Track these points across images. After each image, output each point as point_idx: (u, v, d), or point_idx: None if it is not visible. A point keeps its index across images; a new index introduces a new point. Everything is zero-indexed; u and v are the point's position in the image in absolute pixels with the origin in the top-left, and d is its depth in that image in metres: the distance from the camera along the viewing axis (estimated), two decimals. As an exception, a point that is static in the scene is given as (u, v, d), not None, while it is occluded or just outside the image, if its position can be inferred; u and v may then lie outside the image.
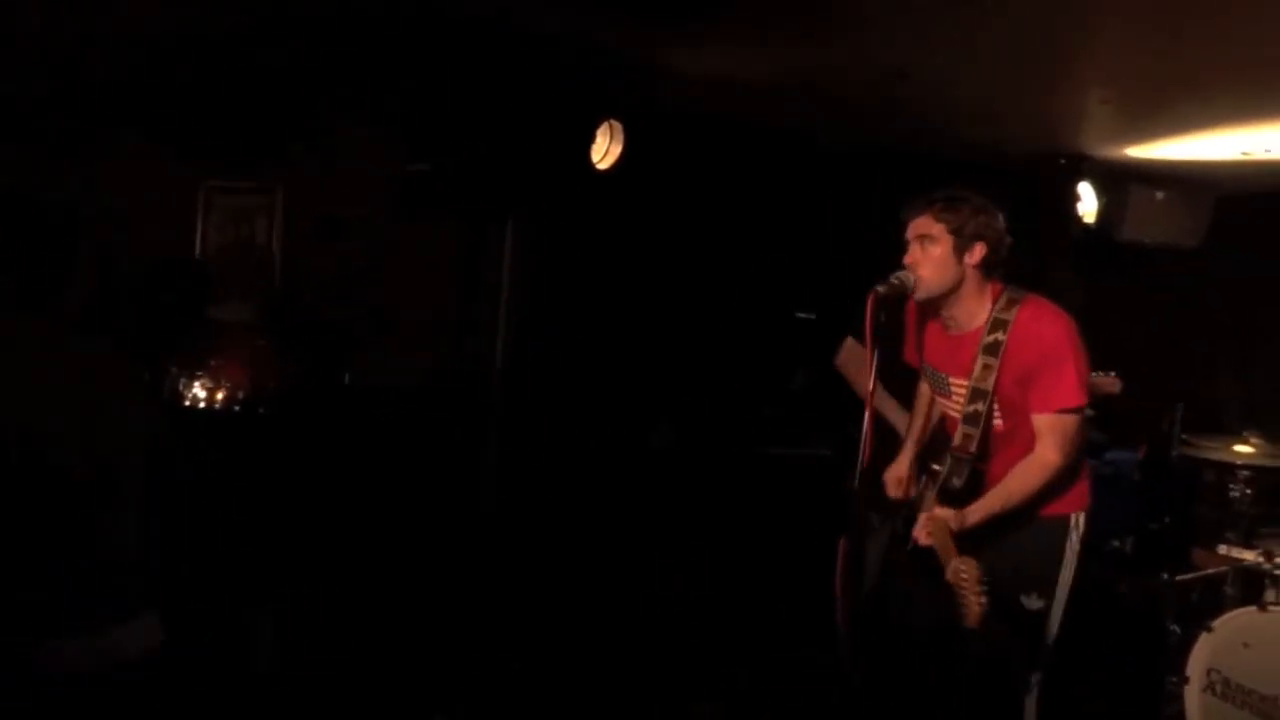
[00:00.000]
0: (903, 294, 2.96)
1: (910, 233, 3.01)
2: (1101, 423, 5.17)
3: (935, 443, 3.23)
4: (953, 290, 3.01)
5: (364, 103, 4.57)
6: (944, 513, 2.83)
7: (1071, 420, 2.96)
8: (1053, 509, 3.06)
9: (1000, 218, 3.01)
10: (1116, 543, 5.38)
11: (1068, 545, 3.10)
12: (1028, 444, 3.00)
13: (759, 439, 5.46)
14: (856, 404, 2.94)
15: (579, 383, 5.04)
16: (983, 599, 2.56)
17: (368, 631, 4.06)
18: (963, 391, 3.04)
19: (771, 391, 5.56)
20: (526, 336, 4.99)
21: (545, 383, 4.99)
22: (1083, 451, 3.11)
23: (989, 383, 2.97)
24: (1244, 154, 5.25)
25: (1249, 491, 4.49)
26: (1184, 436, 4.73)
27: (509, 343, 4.96)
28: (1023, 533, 3.01)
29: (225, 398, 4.18)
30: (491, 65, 4.19)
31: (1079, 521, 3.14)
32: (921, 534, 2.82)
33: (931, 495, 3.04)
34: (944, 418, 3.19)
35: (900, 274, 2.94)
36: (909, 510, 3.13)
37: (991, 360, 2.96)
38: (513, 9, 3.79)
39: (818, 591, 3.05)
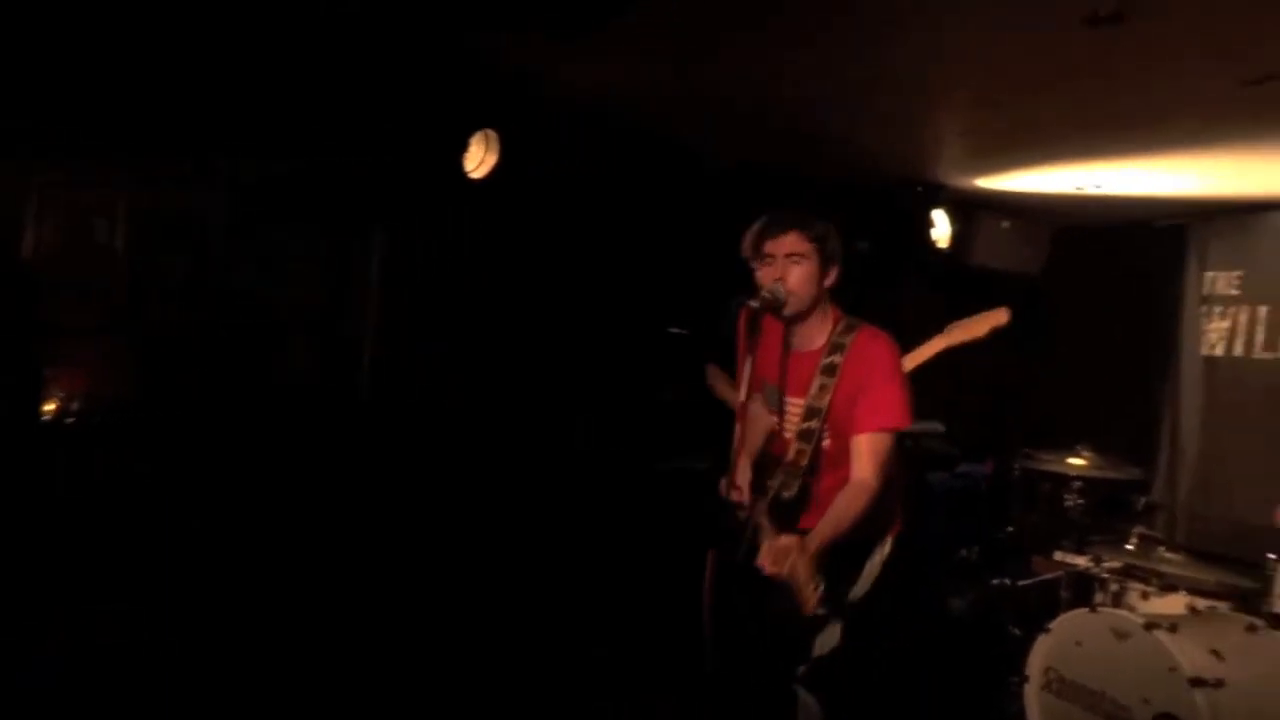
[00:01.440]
0: (775, 308, 2.98)
1: (776, 249, 3.03)
2: (952, 437, 5.58)
3: (764, 459, 3.25)
4: (810, 309, 3.06)
5: (224, 101, 4.27)
6: (788, 540, 2.77)
7: (886, 440, 2.99)
8: (864, 532, 3.09)
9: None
10: (965, 552, 5.48)
11: (867, 565, 3.18)
12: (843, 466, 3.08)
13: (637, 452, 5.49)
14: (727, 417, 3.01)
15: (448, 393, 5.03)
16: (818, 589, 2.61)
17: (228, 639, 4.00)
18: (798, 409, 3.09)
19: (643, 405, 5.60)
20: (395, 345, 4.95)
21: (413, 393, 4.95)
22: (899, 478, 3.14)
23: (824, 401, 3.03)
24: (1078, 189, 5.48)
25: (1081, 501, 4.69)
26: (1025, 450, 4.91)
27: (377, 351, 4.92)
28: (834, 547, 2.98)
29: (56, 408, 4.04)
30: (364, 70, 4.13)
31: (886, 544, 3.22)
32: (767, 563, 2.74)
33: (763, 508, 3.09)
34: (773, 435, 3.21)
35: (771, 288, 2.97)
36: (751, 525, 3.13)
37: (828, 381, 3.01)
38: (388, 15, 3.77)
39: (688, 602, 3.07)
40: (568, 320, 5.44)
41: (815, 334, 3.08)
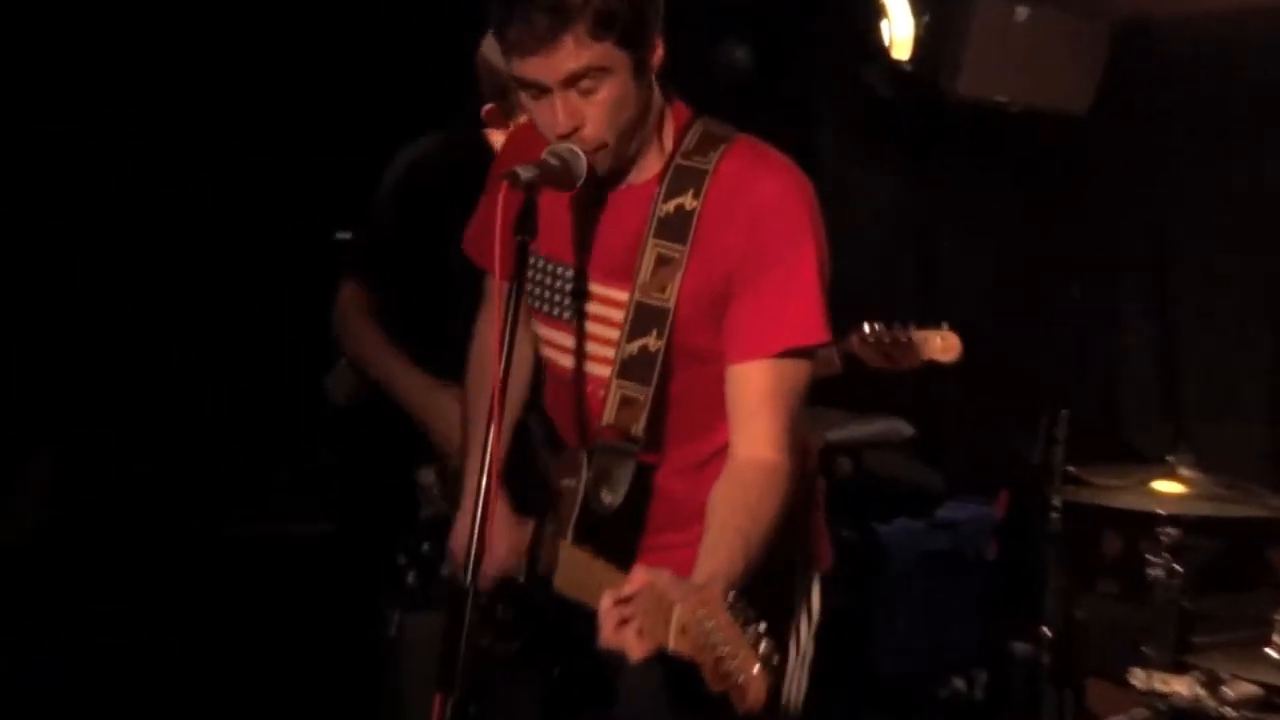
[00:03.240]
0: (568, 181, 2.12)
1: (544, 70, 2.12)
2: (932, 452, 4.54)
3: (541, 434, 2.47)
4: (636, 151, 2.25)
5: None
6: (659, 579, 1.86)
7: (802, 373, 2.24)
8: (770, 564, 2.29)
9: None
10: (960, 682, 4.42)
11: (792, 637, 2.49)
12: (703, 432, 2.29)
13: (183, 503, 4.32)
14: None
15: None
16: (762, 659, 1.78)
17: None
18: (614, 311, 2.28)
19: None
20: None
21: None
22: (810, 453, 2.56)
23: (669, 293, 2.26)
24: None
25: (1178, 568, 3.49)
26: (1070, 469, 3.71)
27: None
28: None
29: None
30: None
31: (811, 590, 2.52)
32: (622, 635, 1.85)
33: (563, 537, 2.26)
34: (560, 377, 2.39)
35: (558, 149, 2.11)
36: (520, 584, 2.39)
37: (674, 247, 2.25)
38: None
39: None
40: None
41: (639, 161, 2.27)
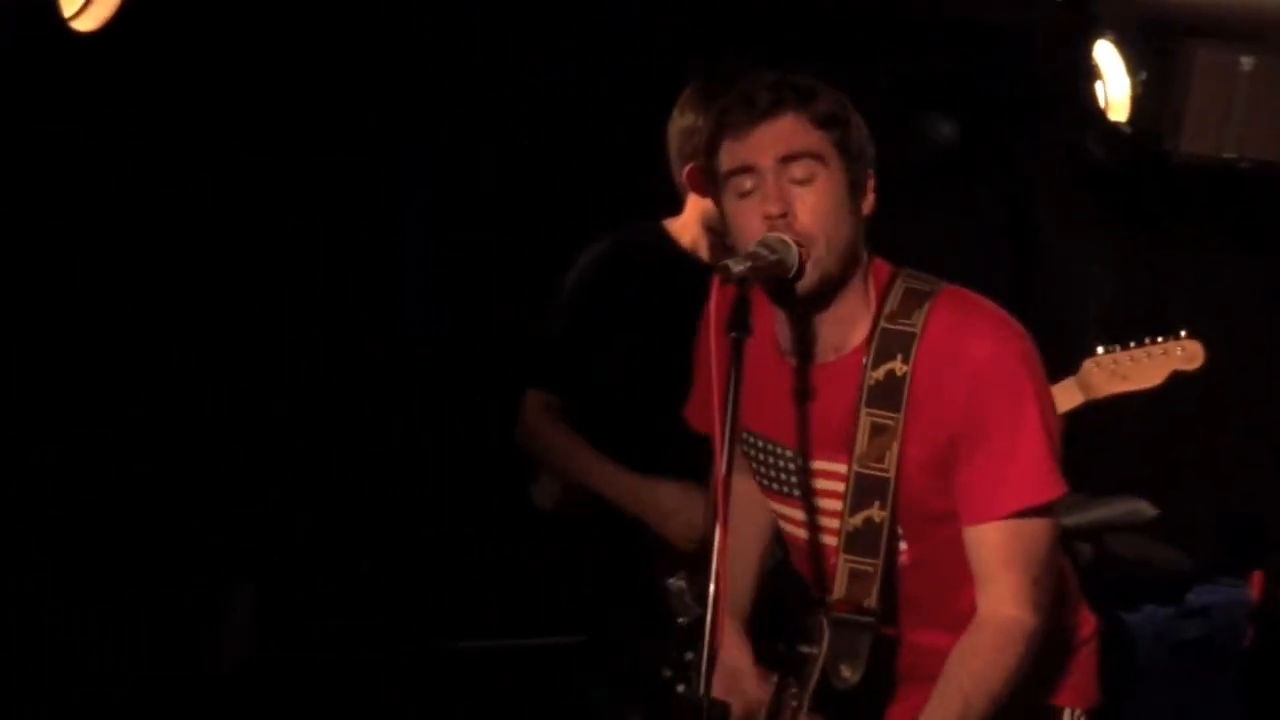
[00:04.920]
0: (780, 278, 2.09)
1: (757, 153, 2.09)
2: (1177, 533, 4.29)
3: (776, 606, 2.47)
4: (845, 273, 2.17)
5: None
6: None
7: (1041, 530, 2.16)
8: (1036, 696, 2.32)
9: None
10: None
11: None
12: (953, 592, 2.22)
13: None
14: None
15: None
16: None
17: None
18: (835, 484, 2.23)
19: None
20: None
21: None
22: (1074, 592, 2.42)
23: (888, 463, 2.22)
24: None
25: None
26: None
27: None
28: None
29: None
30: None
31: None
32: None
33: (800, 710, 2.23)
34: (791, 548, 2.42)
35: (768, 239, 2.06)
36: None
37: (888, 416, 2.21)
38: None
39: None
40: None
41: (846, 322, 2.20)
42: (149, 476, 3.82)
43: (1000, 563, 2.16)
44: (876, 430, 2.22)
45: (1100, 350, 3.34)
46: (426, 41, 4.17)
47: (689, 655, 2.58)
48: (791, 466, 2.31)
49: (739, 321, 1.99)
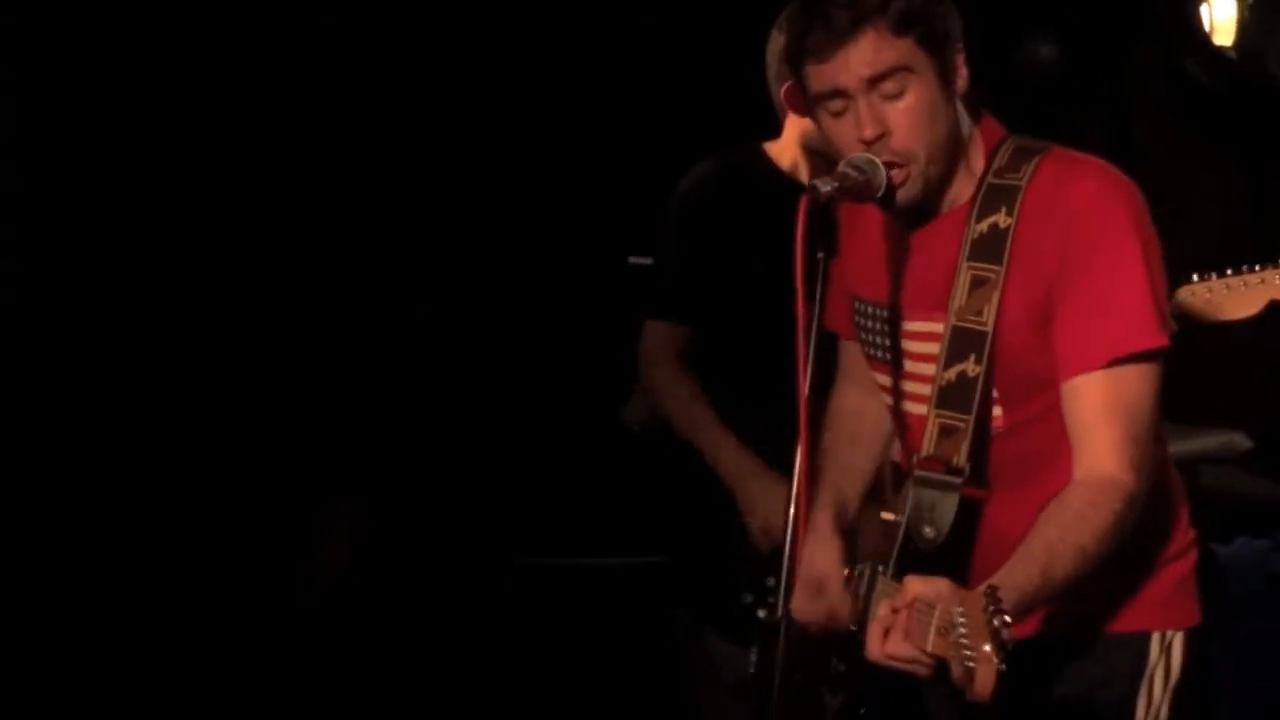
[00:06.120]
0: (872, 196, 2.06)
1: (843, 74, 2.05)
2: (1274, 465, 4.04)
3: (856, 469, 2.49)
4: (948, 169, 2.14)
5: None
6: (932, 587, 1.81)
7: (1142, 382, 2.05)
8: (1121, 620, 2.24)
9: None
10: None
11: (1141, 698, 2.25)
12: (1048, 468, 2.13)
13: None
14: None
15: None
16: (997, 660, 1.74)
17: None
18: (932, 345, 2.19)
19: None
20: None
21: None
22: (1173, 478, 2.30)
23: (987, 316, 2.14)
24: None
25: None
26: None
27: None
28: (1064, 665, 2.24)
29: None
30: None
31: (1172, 647, 2.25)
32: (890, 644, 1.82)
33: (883, 575, 2.19)
34: (894, 423, 2.37)
35: (857, 159, 2.03)
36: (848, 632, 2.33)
37: (989, 268, 2.14)
38: None
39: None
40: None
41: (950, 189, 2.17)
42: (271, 399, 3.92)
43: (1097, 416, 2.07)
44: (976, 283, 2.18)
45: (1195, 278, 3.18)
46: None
47: (770, 581, 2.56)
48: (891, 329, 2.29)
49: (823, 240, 2.00)
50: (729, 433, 2.79)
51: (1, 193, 3.92)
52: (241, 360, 3.99)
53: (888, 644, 1.85)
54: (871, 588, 2.27)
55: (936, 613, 1.79)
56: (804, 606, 2.31)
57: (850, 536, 2.43)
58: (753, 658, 2.67)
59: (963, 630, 1.73)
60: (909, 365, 2.27)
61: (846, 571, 2.33)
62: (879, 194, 2.08)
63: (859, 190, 2.04)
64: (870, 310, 2.29)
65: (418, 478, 4.28)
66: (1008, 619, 1.70)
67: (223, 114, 4.10)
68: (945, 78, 2.08)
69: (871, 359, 2.31)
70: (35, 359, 3.89)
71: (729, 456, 2.82)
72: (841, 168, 2.04)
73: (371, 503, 4.23)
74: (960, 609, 1.75)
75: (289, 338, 4.06)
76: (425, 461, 4.30)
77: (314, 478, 4.14)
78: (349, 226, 4.21)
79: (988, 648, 1.67)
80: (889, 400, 2.32)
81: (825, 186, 1.98)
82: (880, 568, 2.24)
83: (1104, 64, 4.58)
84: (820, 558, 2.31)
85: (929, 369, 2.21)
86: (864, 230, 2.27)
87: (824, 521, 2.36)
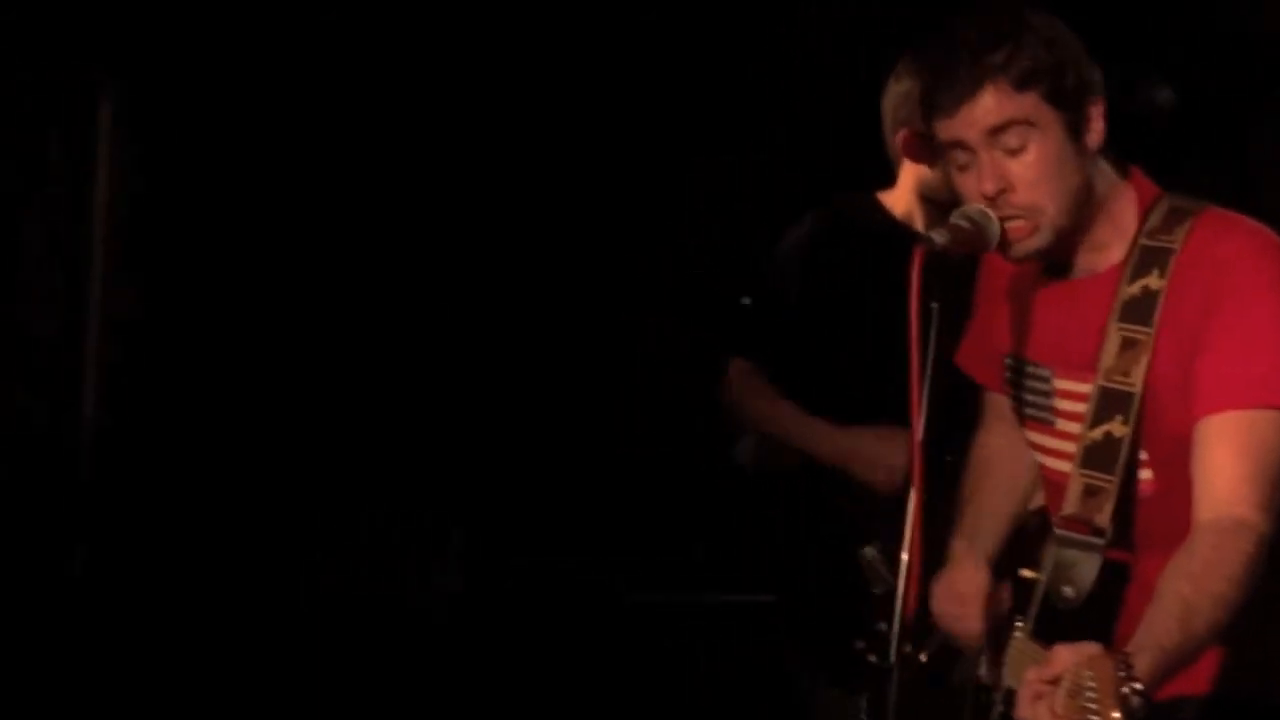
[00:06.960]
0: (980, 243, 2.07)
1: (963, 129, 2.05)
2: None
3: (1018, 538, 2.43)
4: (1076, 222, 2.10)
5: None
6: (1087, 652, 1.75)
7: (1275, 430, 2.01)
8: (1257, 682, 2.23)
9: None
10: None
11: None
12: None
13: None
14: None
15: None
16: None
17: None
18: (1079, 405, 2.18)
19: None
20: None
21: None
22: None
23: (1135, 377, 2.13)
24: None
25: None
26: None
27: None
28: None
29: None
30: None
31: None
32: (1030, 704, 1.81)
33: (1021, 630, 2.24)
34: (1042, 479, 2.35)
35: (970, 212, 2.04)
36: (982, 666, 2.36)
37: (1139, 330, 2.13)
38: None
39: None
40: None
41: (1101, 246, 2.15)
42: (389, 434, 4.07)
43: (1229, 455, 2.04)
44: (1126, 345, 2.17)
45: None
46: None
47: (882, 626, 2.52)
48: (1043, 388, 2.29)
49: (936, 289, 2.02)
50: (820, 420, 2.78)
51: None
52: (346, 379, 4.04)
53: (1037, 712, 1.85)
54: (1005, 639, 2.31)
55: (1068, 675, 1.79)
56: (943, 613, 2.34)
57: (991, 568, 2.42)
58: (863, 705, 2.64)
59: (1091, 694, 1.73)
60: (1061, 424, 2.26)
61: (992, 599, 2.34)
62: (993, 246, 2.09)
63: (971, 241, 2.06)
64: (1020, 367, 2.29)
65: (528, 510, 4.27)
66: (1138, 686, 1.69)
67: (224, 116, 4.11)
68: (1075, 131, 2.07)
69: (1020, 415, 2.31)
70: (157, 367, 3.99)
71: (827, 432, 2.80)
72: (954, 219, 2.06)
73: (482, 533, 4.25)
74: (1090, 673, 1.75)
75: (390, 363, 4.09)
76: (538, 494, 4.28)
77: (429, 507, 4.23)
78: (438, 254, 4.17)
79: (1116, 715, 1.67)
80: (1041, 458, 2.32)
81: (940, 238, 2.01)
82: (1019, 620, 2.27)
83: (1221, 109, 4.38)
84: (961, 580, 2.31)
85: (1076, 428, 2.20)
86: (1015, 288, 2.27)
87: (963, 549, 2.36)
